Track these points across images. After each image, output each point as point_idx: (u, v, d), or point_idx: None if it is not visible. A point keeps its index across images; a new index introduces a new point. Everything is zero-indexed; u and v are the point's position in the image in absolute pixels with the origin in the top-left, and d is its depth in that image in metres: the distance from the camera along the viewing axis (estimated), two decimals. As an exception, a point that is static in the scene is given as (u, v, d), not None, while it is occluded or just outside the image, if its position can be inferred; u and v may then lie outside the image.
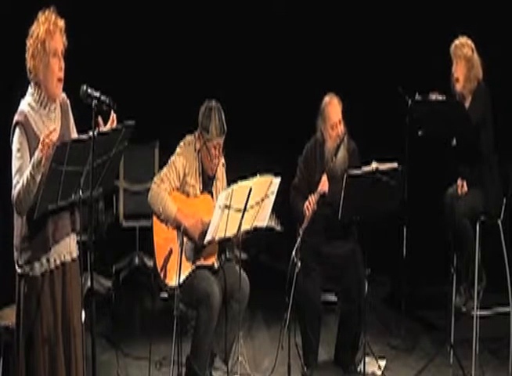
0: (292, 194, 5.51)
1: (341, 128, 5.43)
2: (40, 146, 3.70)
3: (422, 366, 5.56)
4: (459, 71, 5.44)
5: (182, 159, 5.10)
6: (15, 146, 3.85)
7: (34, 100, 3.93)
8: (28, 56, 3.91)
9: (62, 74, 3.94)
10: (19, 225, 3.94)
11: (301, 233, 5.28)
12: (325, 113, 5.44)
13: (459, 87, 5.46)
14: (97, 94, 3.84)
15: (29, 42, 3.91)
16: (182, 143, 5.17)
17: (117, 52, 7.33)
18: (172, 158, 5.12)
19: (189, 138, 5.18)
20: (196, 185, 5.13)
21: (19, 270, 3.97)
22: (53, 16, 3.91)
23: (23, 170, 3.80)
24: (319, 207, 5.29)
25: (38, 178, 3.73)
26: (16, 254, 3.98)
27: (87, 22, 6.72)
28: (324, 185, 5.32)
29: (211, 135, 5.05)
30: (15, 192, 3.80)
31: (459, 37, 5.51)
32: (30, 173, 3.73)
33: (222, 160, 5.28)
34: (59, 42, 3.90)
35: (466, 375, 5.40)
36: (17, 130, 3.85)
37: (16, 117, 3.87)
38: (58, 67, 3.91)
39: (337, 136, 5.43)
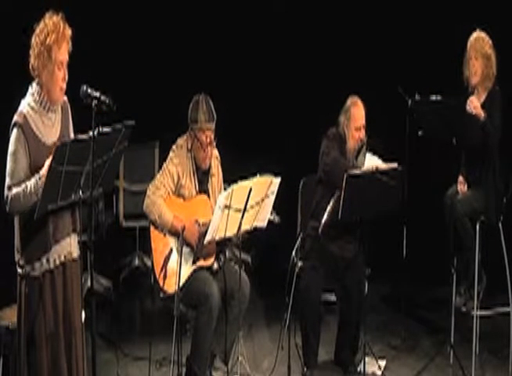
0: (334, 163, 5.37)
1: (364, 133, 5.42)
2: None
3: (422, 367, 5.57)
4: (477, 67, 5.40)
5: (175, 162, 5.10)
6: (11, 147, 3.86)
7: (35, 101, 3.92)
8: (32, 53, 3.90)
9: (64, 85, 3.95)
10: (19, 225, 3.95)
11: (322, 222, 5.25)
12: (350, 113, 5.41)
13: (474, 81, 5.44)
14: (97, 94, 3.85)
15: (34, 40, 3.89)
16: (174, 147, 5.18)
17: (118, 52, 7.33)
18: (165, 164, 5.13)
19: (180, 141, 5.19)
20: (192, 185, 5.13)
21: (19, 271, 3.98)
22: (61, 25, 3.89)
23: (16, 173, 3.82)
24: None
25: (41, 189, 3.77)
26: (16, 254, 3.98)
27: (87, 22, 6.72)
28: None
29: (200, 122, 5.06)
30: (11, 194, 3.81)
31: (478, 32, 5.47)
32: (34, 186, 3.77)
33: (216, 153, 5.28)
34: (64, 53, 3.91)
35: (466, 375, 5.40)
36: (15, 131, 3.85)
37: (15, 118, 3.88)
38: (61, 78, 3.93)
39: (359, 139, 5.41)
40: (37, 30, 3.89)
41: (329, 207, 5.26)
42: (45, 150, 3.85)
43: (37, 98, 3.93)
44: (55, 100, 3.96)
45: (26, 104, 3.92)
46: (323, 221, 5.26)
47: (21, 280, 3.98)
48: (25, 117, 3.87)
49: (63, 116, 4.05)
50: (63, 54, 3.90)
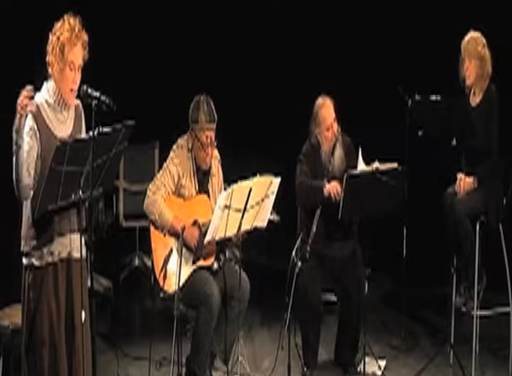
0: (304, 180, 5.41)
1: (336, 126, 5.43)
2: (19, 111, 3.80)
3: (422, 367, 5.56)
4: (471, 69, 5.41)
5: (176, 162, 5.11)
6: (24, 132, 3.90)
7: (50, 96, 3.98)
8: (48, 49, 3.97)
9: (75, 87, 3.98)
10: (27, 213, 3.99)
11: (311, 235, 5.26)
12: (319, 117, 5.41)
13: (469, 82, 5.44)
14: (97, 94, 3.88)
15: (51, 37, 3.96)
16: (174, 147, 5.18)
17: (118, 52, 7.33)
18: (166, 164, 5.14)
19: (180, 141, 5.19)
20: (192, 185, 5.13)
21: (24, 260, 4.02)
22: (77, 27, 3.96)
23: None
24: (321, 213, 5.30)
25: (21, 143, 3.83)
26: (22, 242, 4.03)
27: (86, 22, 6.72)
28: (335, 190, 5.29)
29: (201, 122, 5.07)
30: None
31: (471, 32, 5.47)
32: (15, 141, 3.83)
33: (216, 153, 5.28)
34: (77, 55, 3.96)
35: (466, 375, 5.40)
36: (29, 117, 3.90)
37: (29, 108, 3.90)
38: (71, 79, 3.96)
39: (333, 135, 5.43)
40: (55, 28, 3.97)
41: (313, 227, 5.26)
42: (55, 142, 3.87)
43: (52, 94, 3.99)
44: (66, 100, 4.00)
45: (41, 97, 3.98)
46: (310, 240, 5.26)
47: (25, 271, 4.02)
48: (38, 107, 3.93)
49: (75, 118, 4.10)
50: (75, 55, 3.95)
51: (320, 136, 5.45)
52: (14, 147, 3.84)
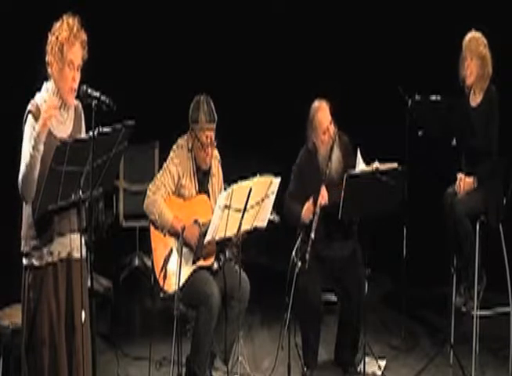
0: (287, 201, 5.45)
1: (332, 128, 5.42)
2: (41, 121, 3.79)
3: (422, 367, 5.56)
4: (472, 67, 5.40)
5: (176, 162, 5.11)
6: (25, 134, 3.91)
7: (49, 96, 3.98)
8: (47, 49, 3.98)
9: (75, 85, 3.98)
10: (27, 213, 3.99)
11: (312, 236, 5.26)
12: (315, 121, 5.40)
13: (470, 81, 5.44)
14: (97, 94, 3.88)
15: (50, 38, 3.97)
16: (174, 147, 5.19)
17: (118, 52, 7.33)
18: (166, 164, 5.14)
19: (180, 141, 5.19)
20: (192, 185, 5.14)
21: (24, 261, 4.02)
22: (76, 27, 3.97)
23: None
24: (319, 218, 5.29)
25: (41, 149, 3.81)
26: (22, 242, 4.03)
27: (86, 22, 6.72)
28: (324, 198, 5.30)
29: (201, 122, 5.07)
30: (20, 175, 3.85)
31: (473, 32, 5.47)
32: (33, 146, 3.80)
33: (216, 153, 5.28)
34: (76, 55, 3.96)
35: (466, 375, 5.40)
36: (29, 118, 3.91)
37: (29, 107, 3.93)
38: (71, 78, 3.97)
39: (330, 138, 5.41)
40: (53, 28, 3.98)
41: (312, 235, 5.26)
42: (55, 142, 3.86)
43: (51, 94, 3.99)
44: (65, 100, 4.01)
45: (41, 98, 3.98)
46: (309, 247, 5.26)
47: (25, 271, 4.02)
48: (38, 107, 3.93)
49: (75, 119, 4.10)
50: (74, 54, 3.95)
51: (317, 140, 5.44)
52: (32, 152, 3.80)
